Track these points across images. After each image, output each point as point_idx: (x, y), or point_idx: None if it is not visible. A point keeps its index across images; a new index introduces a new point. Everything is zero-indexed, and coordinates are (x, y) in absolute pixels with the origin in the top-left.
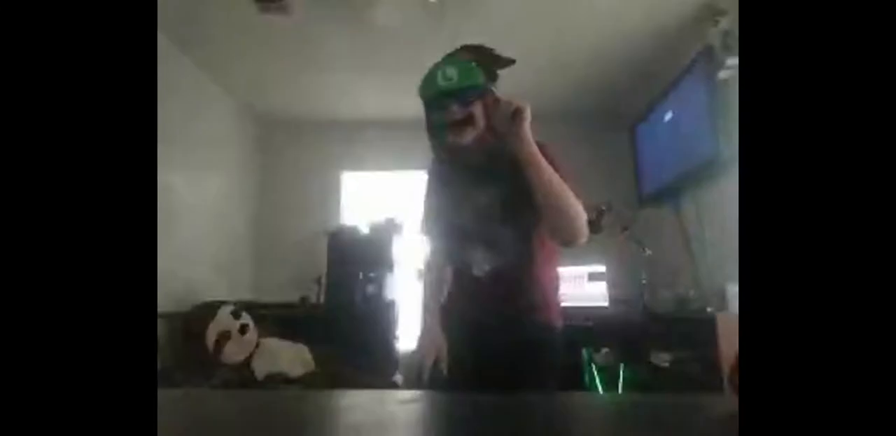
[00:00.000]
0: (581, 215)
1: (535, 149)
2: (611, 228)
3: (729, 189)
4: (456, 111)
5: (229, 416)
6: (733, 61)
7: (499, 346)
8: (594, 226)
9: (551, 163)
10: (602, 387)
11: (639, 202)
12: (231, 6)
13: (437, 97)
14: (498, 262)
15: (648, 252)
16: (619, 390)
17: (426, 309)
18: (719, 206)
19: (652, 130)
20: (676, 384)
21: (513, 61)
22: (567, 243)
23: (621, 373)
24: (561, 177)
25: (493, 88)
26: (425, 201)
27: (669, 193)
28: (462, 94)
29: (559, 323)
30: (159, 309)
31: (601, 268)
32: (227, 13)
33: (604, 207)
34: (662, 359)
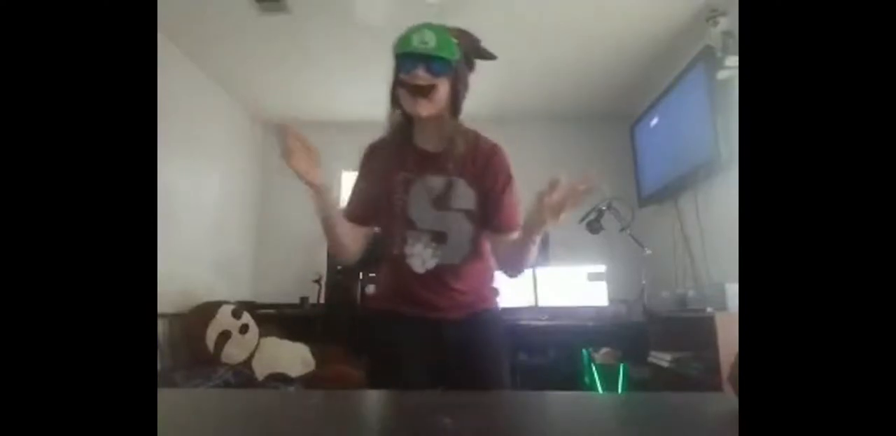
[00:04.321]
0: (533, 256)
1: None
2: (610, 228)
3: (728, 189)
4: (420, 76)
5: (229, 416)
6: (733, 61)
7: (442, 329)
8: (594, 226)
9: (502, 169)
10: (602, 387)
11: (638, 202)
12: (231, 6)
13: (406, 56)
14: (444, 259)
15: (648, 252)
16: (619, 390)
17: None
18: (719, 205)
19: (652, 130)
20: (676, 384)
21: (494, 57)
22: (510, 276)
23: (621, 373)
24: (509, 181)
25: (468, 74)
26: (355, 188)
27: (669, 193)
28: (432, 62)
29: (497, 305)
30: (159, 309)
31: (601, 268)
32: (228, 13)
33: (603, 207)
34: (662, 359)
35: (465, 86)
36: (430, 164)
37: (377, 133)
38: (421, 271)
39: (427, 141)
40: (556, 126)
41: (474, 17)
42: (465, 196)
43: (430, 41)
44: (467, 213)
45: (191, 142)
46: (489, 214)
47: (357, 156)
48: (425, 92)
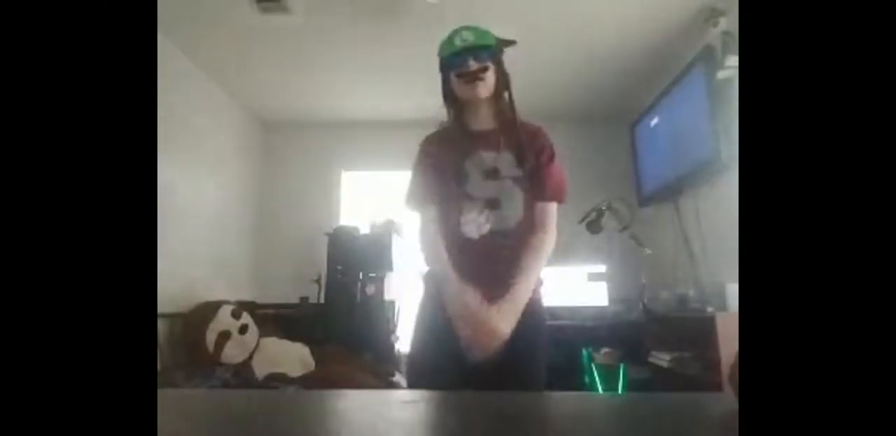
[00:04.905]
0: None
1: (556, 173)
2: (610, 228)
3: (728, 189)
4: (472, 64)
5: (229, 416)
6: (733, 61)
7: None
8: (594, 226)
9: (546, 145)
10: (602, 387)
11: (639, 202)
12: (231, 6)
13: (455, 54)
14: (498, 224)
15: (648, 252)
16: (619, 390)
17: (440, 274)
18: (719, 205)
19: (652, 129)
20: (676, 384)
21: (514, 42)
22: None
23: (621, 373)
24: (553, 156)
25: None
26: (414, 177)
27: (669, 193)
28: (477, 51)
29: (542, 300)
30: (159, 309)
31: (601, 268)
32: (228, 13)
33: (603, 207)
34: (662, 359)
35: (505, 67)
36: (481, 141)
37: (377, 133)
38: (475, 237)
39: (479, 123)
40: (556, 126)
41: (474, 17)
42: (513, 166)
43: (468, 37)
44: (516, 180)
45: (190, 142)
46: (537, 185)
47: (357, 156)
48: (480, 76)
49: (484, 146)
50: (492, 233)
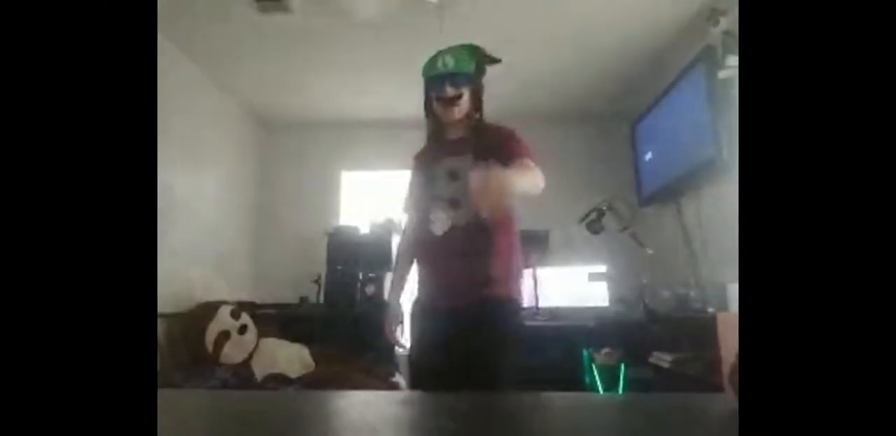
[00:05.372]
0: (540, 181)
1: (527, 161)
2: (611, 228)
3: (729, 188)
4: (448, 91)
5: (229, 416)
6: (733, 61)
7: (457, 316)
8: (595, 226)
9: (518, 148)
10: (602, 387)
11: (639, 202)
12: (231, 6)
13: (435, 78)
14: (459, 221)
15: (649, 252)
16: (620, 390)
17: (391, 286)
18: (719, 205)
19: (652, 129)
20: (677, 384)
21: (499, 60)
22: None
23: (622, 373)
24: (522, 156)
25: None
26: (409, 184)
27: (670, 193)
28: (455, 78)
29: (519, 298)
30: (159, 309)
31: (602, 268)
32: (227, 13)
33: (604, 207)
34: (663, 359)
35: (482, 88)
36: (451, 148)
37: (377, 133)
38: (439, 233)
39: (453, 133)
40: (556, 126)
41: (474, 17)
42: (475, 167)
43: (449, 62)
44: None
45: (190, 142)
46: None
47: (357, 156)
48: (454, 101)
49: (451, 152)
50: (452, 229)
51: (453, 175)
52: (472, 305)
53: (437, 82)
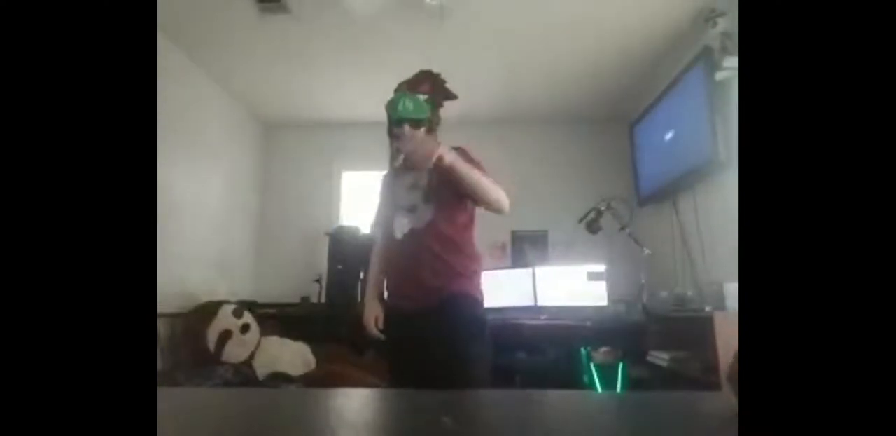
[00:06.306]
0: (500, 194)
1: (455, 161)
2: (610, 228)
3: (727, 189)
4: (405, 131)
5: (229, 416)
6: (732, 62)
7: (421, 314)
8: (593, 226)
9: (471, 162)
10: (601, 386)
11: (638, 202)
12: (231, 6)
13: (396, 118)
14: (417, 224)
15: (647, 251)
16: (618, 389)
17: (368, 285)
18: (717, 205)
19: (651, 130)
20: (675, 383)
21: (455, 96)
22: (498, 212)
23: (620, 372)
24: (480, 170)
25: (440, 114)
26: (378, 203)
27: (668, 193)
28: (412, 121)
29: (478, 294)
30: (160, 309)
31: (600, 267)
32: (228, 13)
33: (603, 207)
34: (661, 358)
35: (438, 120)
36: (409, 165)
37: (377, 133)
38: (399, 237)
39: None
40: (556, 126)
41: (473, 18)
42: (424, 179)
43: (408, 107)
44: (426, 189)
45: (191, 142)
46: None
47: (357, 156)
48: (409, 139)
49: (410, 168)
50: (412, 231)
51: (413, 186)
52: (433, 303)
53: (397, 123)
